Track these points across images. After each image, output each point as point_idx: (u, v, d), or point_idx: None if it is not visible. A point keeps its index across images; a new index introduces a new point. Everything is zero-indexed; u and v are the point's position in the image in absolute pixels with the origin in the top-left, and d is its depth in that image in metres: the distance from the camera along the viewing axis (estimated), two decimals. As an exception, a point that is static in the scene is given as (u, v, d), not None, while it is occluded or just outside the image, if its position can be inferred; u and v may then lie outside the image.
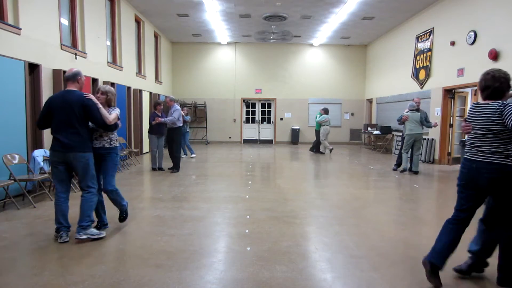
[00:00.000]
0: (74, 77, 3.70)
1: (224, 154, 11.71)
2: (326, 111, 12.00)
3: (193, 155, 10.76)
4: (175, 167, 7.95)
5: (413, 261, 3.27)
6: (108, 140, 3.84)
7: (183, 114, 8.84)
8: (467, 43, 8.41)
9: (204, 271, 3.01)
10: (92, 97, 3.69)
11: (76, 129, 3.58)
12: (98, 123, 3.65)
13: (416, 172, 8.09)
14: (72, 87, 3.70)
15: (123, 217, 4.14)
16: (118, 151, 4.00)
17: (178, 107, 8.07)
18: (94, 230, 3.66)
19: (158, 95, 12.93)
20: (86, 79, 7.59)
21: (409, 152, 8.23)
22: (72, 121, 3.55)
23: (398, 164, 8.52)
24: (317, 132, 12.05)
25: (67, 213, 3.65)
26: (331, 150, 11.98)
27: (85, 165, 3.61)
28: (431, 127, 8.40)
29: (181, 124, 8.14)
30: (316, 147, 12.18)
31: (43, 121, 3.67)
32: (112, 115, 3.76)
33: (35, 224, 4.21)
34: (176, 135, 7.97)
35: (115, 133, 3.95)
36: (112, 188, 3.88)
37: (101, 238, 3.65)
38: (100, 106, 3.69)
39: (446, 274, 2.95)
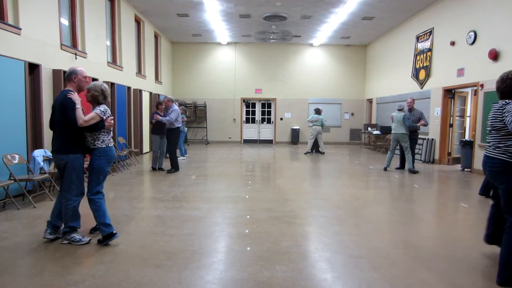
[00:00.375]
0: (69, 76, 3.60)
1: (224, 154, 11.71)
2: (317, 111, 12.01)
3: (183, 157, 10.26)
4: (173, 167, 7.93)
5: (413, 261, 3.27)
6: (92, 141, 3.56)
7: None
8: (467, 43, 8.41)
9: (204, 271, 3.01)
10: (73, 96, 3.47)
11: (59, 129, 3.51)
12: (73, 123, 3.40)
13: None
14: (68, 86, 3.61)
15: (99, 240, 3.58)
16: (103, 152, 3.56)
17: (176, 107, 8.03)
18: (76, 236, 3.55)
19: (158, 95, 12.92)
20: (86, 79, 7.58)
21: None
22: (56, 122, 3.51)
23: (402, 164, 8.66)
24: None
25: (56, 212, 3.63)
26: (307, 152, 11.89)
27: (63, 167, 3.50)
28: (409, 127, 8.19)
29: (180, 125, 8.10)
30: (315, 147, 12.21)
31: (50, 122, 3.67)
32: (89, 115, 3.45)
33: (35, 224, 4.21)
34: (173, 135, 7.94)
35: (105, 133, 3.61)
36: (88, 195, 3.56)
37: (84, 244, 3.53)
38: (78, 105, 3.44)
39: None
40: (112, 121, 3.63)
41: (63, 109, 3.43)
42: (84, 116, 3.43)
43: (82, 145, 3.59)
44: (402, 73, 12.02)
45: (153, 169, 8.17)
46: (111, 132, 3.75)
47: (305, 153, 11.95)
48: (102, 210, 3.57)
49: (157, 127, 7.99)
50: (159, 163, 8.19)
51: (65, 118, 3.42)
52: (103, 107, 3.55)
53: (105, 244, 3.52)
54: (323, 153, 11.96)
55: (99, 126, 3.52)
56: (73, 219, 3.57)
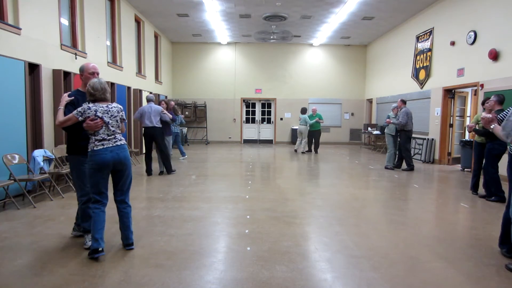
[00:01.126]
0: (79, 73, 3.59)
1: (224, 154, 11.71)
2: (301, 111, 12.26)
3: (183, 157, 10.21)
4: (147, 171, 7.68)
5: (413, 261, 3.27)
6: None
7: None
8: (467, 43, 8.41)
9: (204, 271, 3.01)
10: (62, 97, 3.42)
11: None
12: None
13: (388, 167, 8.82)
14: (80, 85, 3.60)
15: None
16: (88, 157, 3.24)
17: (143, 106, 7.56)
18: (86, 238, 3.55)
19: (158, 95, 12.92)
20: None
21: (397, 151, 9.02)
22: None
23: (398, 163, 8.89)
24: (315, 132, 12.22)
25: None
26: (305, 151, 12.21)
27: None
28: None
29: (145, 125, 7.38)
30: (310, 147, 12.35)
31: None
32: (66, 116, 3.27)
33: (35, 224, 4.22)
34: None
35: (91, 136, 3.25)
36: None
37: (85, 247, 3.43)
38: (61, 107, 3.33)
39: None
40: (92, 122, 3.16)
41: None
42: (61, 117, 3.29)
43: (81, 146, 3.41)
44: (402, 73, 12.02)
45: (161, 172, 7.79)
46: (101, 134, 3.24)
47: (302, 152, 12.09)
48: (94, 221, 3.24)
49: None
50: (160, 164, 8.11)
51: None
52: (81, 108, 3.21)
53: (90, 257, 3.17)
54: (304, 152, 12.14)
55: (74, 129, 3.31)
56: (83, 220, 3.57)
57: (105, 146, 3.24)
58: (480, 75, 8.00)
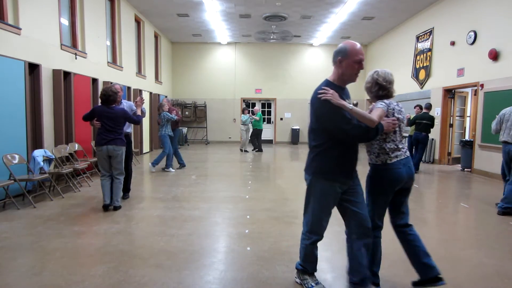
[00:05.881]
0: (334, 58, 2.42)
1: (224, 154, 11.71)
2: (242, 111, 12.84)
3: (168, 169, 8.13)
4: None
5: (413, 261, 3.26)
6: (370, 155, 2.58)
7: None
8: (467, 43, 8.41)
9: (204, 271, 3.01)
10: (328, 94, 2.28)
11: (311, 144, 2.54)
12: (341, 135, 2.35)
13: None
14: (332, 74, 2.46)
15: (414, 282, 2.65)
16: (378, 172, 2.54)
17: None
18: (309, 281, 2.71)
19: (158, 95, 12.93)
20: (86, 79, 7.60)
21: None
22: (310, 133, 2.56)
23: None
24: (255, 131, 12.39)
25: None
26: (245, 151, 12.42)
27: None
28: None
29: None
30: (255, 146, 12.48)
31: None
32: (373, 112, 2.43)
33: (35, 224, 4.21)
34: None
35: (387, 139, 2.53)
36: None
37: None
38: (350, 105, 2.29)
39: None
40: (391, 120, 2.45)
41: (319, 117, 2.36)
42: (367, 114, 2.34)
43: (346, 167, 2.44)
44: (402, 73, 12.02)
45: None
46: (395, 141, 2.50)
47: (244, 151, 12.34)
48: (376, 249, 2.70)
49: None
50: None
51: (323, 128, 2.37)
52: (387, 101, 2.52)
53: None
54: (246, 151, 12.33)
55: (379, 130, 2.37)
56: (305, 259, 2.75)
57: (398, 159, 2.49)
58: (480, 75, 8.00)
